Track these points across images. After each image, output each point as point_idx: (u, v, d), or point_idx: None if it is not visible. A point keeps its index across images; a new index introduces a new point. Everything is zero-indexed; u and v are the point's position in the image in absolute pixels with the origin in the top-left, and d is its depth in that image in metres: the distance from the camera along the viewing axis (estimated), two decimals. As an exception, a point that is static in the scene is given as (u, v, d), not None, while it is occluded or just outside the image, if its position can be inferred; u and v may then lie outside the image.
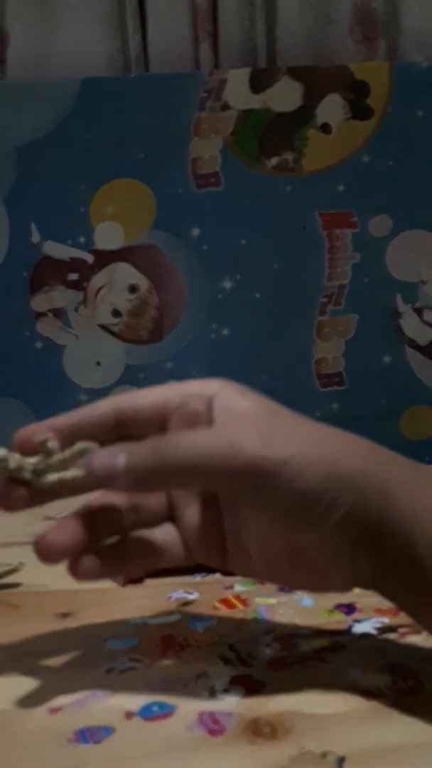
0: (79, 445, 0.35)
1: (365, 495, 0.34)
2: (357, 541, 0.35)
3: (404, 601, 0.36)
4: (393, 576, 0.35)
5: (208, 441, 0.34)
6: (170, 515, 0.39)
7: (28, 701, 0.37)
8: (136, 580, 0.51)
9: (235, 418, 0.35)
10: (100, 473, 0.34)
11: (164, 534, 0.39)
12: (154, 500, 0.39)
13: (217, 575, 0.51)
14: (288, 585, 0.41)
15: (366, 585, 0.36)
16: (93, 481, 0.35)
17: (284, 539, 0.36)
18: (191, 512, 0.39)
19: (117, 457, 0.34)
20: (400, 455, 0.36)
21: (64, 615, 0.48)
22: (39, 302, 0.83)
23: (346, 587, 0.37)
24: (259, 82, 0.80)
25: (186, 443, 0.34)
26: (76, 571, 0.36)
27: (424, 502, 0.34)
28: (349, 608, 0.46)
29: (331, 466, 0.34)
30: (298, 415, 0.37)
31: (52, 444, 0.35)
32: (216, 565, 0.39)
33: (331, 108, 0.80)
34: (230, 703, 0.36)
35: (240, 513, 0.38)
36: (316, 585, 0.38)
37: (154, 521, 0.39)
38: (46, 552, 0.35)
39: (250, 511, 0.37)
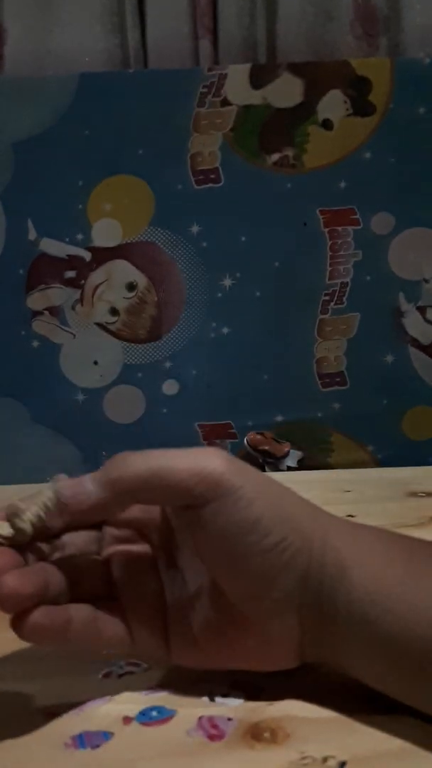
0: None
1: (308, 536, 0.35)
2: (301, 598, 0.35)
3: (352, 663, 0.36)
4: (338, 633, 0.35)
5: (175, 454, 0.36)
6: (112, 595, 0.38)
7: (25, 706, 0.37)
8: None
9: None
10: (71, 500, 0.35)
11: (110, 620, 0.37)
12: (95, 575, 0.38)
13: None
14: (232, 665, 0.39)
15: (312, 652, 0.36)
16: (65, 509, 0.35)
17: (228, 610, 0.36)
18: (133, 588, 0.38)
19: (83, 482, 0.35)
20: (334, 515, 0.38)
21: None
22: (35, 300, 0.83)
23: (293, 659, 0.36)
24: (259, 78, 0.80)
25: (152, 455, 0.35)
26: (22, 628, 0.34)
27: (361, 549, 0.36)
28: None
29: (276, 506, 0.35)
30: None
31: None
32: (158, 653, 0.37)
33: (332, 104, 0.80)
34: (230, 708, 0.36)
35: (184, 572, 0.37)
36: (261, 661, 0.37)
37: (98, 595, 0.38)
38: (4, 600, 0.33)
39: (198, 545, 0.36)
